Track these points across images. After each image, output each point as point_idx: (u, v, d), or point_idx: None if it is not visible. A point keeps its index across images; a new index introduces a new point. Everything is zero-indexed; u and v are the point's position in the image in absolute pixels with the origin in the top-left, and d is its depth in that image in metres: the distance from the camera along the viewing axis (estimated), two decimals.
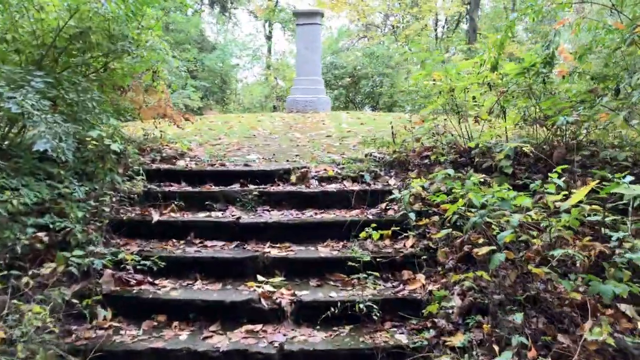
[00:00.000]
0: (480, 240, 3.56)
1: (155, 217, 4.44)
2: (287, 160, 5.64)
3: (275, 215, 4.54)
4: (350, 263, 3.87)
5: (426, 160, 5.25)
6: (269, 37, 30.64)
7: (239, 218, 4.41)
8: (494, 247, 3.38)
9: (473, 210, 3.73)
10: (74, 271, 3.65)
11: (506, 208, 3.49)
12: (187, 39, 21.23)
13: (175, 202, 4.71)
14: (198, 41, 22.92)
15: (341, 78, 19.34)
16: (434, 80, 5.07)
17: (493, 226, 3.67)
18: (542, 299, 3.27)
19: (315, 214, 4.59)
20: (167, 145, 6.20)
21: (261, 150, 6.33)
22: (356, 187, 4.90)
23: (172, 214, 4.59)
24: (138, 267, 3.85)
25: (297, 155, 5.90)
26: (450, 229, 3.72)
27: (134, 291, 3.70)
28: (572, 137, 4.91)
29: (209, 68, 20.66)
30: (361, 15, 29.09)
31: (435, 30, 31.24)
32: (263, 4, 30.51)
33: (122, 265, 3.87)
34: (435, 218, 4.06)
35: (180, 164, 5.45)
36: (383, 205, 4.63)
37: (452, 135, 5.49)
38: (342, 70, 19.13)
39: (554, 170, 4.66)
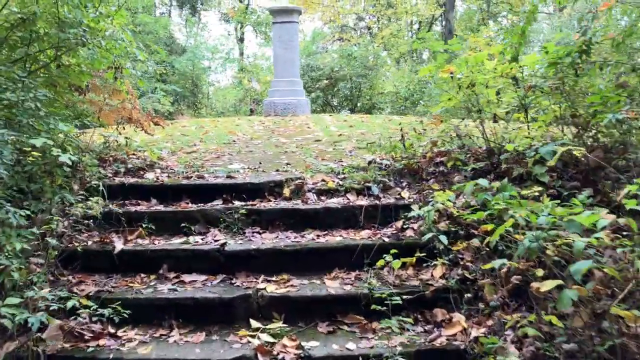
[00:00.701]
0: (541, 273, 2.78)
1: (119, 245, 3.54)
2: (277, 170, 4.80)
3: (268, 240, 3.69)
4: (367, 301, 3.07)
5: (441, 168, 4.48)
6: (241, 40, 29.71)
7: (223, 244, 3.54)
8: (560, 282, 2.62)
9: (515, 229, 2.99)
10: (7, 325, 2.73)
11: (573, 229, 2.74)
12: (155, 41, 20.19)
13: (144, 226, 3.82)
14: (167, 43, 21.91)
15: (318, 80, 18.66)
16: (452, 73, 4.29)
17: (548, 251, 2.91)
18: (630, 351, 2.51)
19: (318, 236, 3.76)
20: (133, 155, 5.29)
21: (244, 159, 5.47)
22: (363, 201, 4.09)
23: (140, 241, 3.70)
24: (96, 314, 2.95)
25: (287, 164, 5.06)
26: (502, 259, 2.93)
27: (90, 349, 2.80)
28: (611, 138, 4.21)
29: (179, 71, 19.67)
30: (336, 17, 28.47)
31: (411, 31, 30.85)
32: (235, 6, 29.59)
33: (75, 313, 2.97)
34: (475, 241, 3.27)
35: (150, 176, 4.55)
36: (399, 224, 3.83)
37: (470, 137, 4.73)
38: (319, 72, 18.44)
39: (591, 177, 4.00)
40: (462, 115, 4.81)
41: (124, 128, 5.27)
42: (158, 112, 15.15)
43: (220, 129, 8.35)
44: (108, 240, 3.63)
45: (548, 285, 2.61)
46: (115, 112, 5.09)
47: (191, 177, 4.55)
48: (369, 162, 4.75)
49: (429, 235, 3.35)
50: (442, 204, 3.56)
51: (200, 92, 21.05)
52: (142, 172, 4.65)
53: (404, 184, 4.35)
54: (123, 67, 4.90)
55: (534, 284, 2.72)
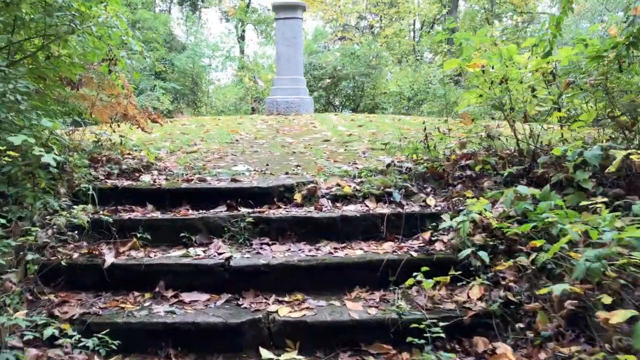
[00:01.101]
0: (609, 300, 2.34)
1: (109, 258, 3.10)
2: (287, 173, 4.36)
3: (279, 253, 3.25)
4: (396, 327, 2.64)
5: (468, 172, 4.05)
6: (242, 37, 29.27)
7: (228, 258, 3.10)
8: (635, 313, 2.19)
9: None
10: None
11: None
12: (155, 38, 19.79)
13: (138, 235, 3.38)
14: (167, 40, 21.48)
15: (320, 79, 18.30)
16: (483, 67, 3.86)
17: (610, 272, 2.49)
18: None
19: (335, 249, 3.32)
20: (128, 154, 4.85)
21: (249, 159, 5.03)
22: (384, 208, 3.66)
23: (134, 253, 3.26)
24: (78, 346, 2.51)
25: (297, 166, 4.62)
26: (555, 281, 2.50)
27: None
28: None
29: (179, 69, 19.23)
30: (339, 15, 28.05)
31: (414, 32, 30.45)
32: (235, 4, 29.13)
33: (55, 342, 2.53)
34: (522, 259, 2.83)
35: (146, 179, 4.11)
36: (426, 236, 3.39)
37: (500, 138, 4.29)
38: (321, 71, 18.07)
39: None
40: (487, 113, 4.37)
41: (118, 125, 4.83)
42: (157, 110, 14.73)
43: (222, 127, 7.91)
44: (97, 253, 3.19)
45: (620, 316, 2.19)
46: (110, 108, 4.65)
47: (192, 179, 4.11)
48: (388, 165, 4.31)
49: (467, 251, 2.91)
50: (478, 213, 3.12)
51: (200, 91, 20.61)
52: (137, 174, 4.21)
53: (428, 190, 3.92)
54: (118, 58, 4.45)
55: (601, 314, 2.29)
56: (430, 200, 3.73)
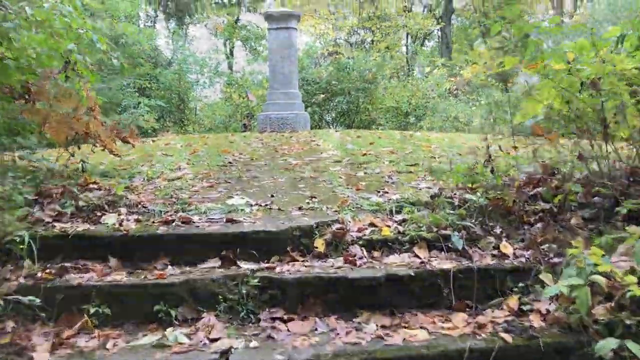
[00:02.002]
0: None
1: (41, 355, 2.00)
2: (300, 208, 3.28)
3: (301, 337, 2.16)
4: None
5: (543, 204, 3.03)
6: (231, 53, 28.37)
7: (226, 352, 2.02)
8: None
9: None
10: None
11: None
12: (140, 53, 18.80)
13: (92, 310, 2.29)
14: (152, 56, 20.50)
15: (314, 94, 17.44)
16: (569, 61, 2.84)
17: None
18: None
19: (384, 327, 2.25)
20: (94, 184, 3.77)
21: (248, 188, 3.96)
22: (443, 260, 2.60)
23: (83, 341, 2.16)
24: None
25: (311, 198, 3.54)
26: None
27: None
28: None
29: (165, 85, 18.19)
30: (330, 30, 27.28)
31: (407, 46, 29.78)
32: (223, 20, 28.28)
33: None
34: None
35: (110, 220, 3.00)
36: (512, 303, 2.34)
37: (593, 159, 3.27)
38: (314, 85, 17.22)
39: None
40: (562, 127, 3.35)
41: (78, 147, 3.74)
42: (141, 129, 13.63)
43: (212, 147, 6.84)
44: (24, 343, 2.09)
45: None
46: (65, 124, 3.57)
47: (172, 220, 3.02)
48: (433, 196, 3.26)
49: (607, 344, 1.85)
50: (602, 274, 2.08)
51: (187, 108, 19.57)
52: (99, 214, 3.12)
53: (497, 231, 2.87)
54: (77, 60, 3.39)
55: None
56: (506, 248, 2.68)
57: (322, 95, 17.22)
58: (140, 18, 24.23)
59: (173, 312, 2.32)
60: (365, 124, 17.07)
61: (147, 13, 25.88)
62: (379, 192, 3.67)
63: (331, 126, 17.24)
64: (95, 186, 3.76)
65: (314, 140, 7.46)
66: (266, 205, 3.38)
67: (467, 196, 3.12)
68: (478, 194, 3.19)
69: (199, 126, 19.64)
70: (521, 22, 4.50)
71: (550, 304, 2.24)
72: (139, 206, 3.33)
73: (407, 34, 28.81)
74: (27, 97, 3.89)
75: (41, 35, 3.38)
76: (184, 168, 5.04)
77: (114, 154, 4.01)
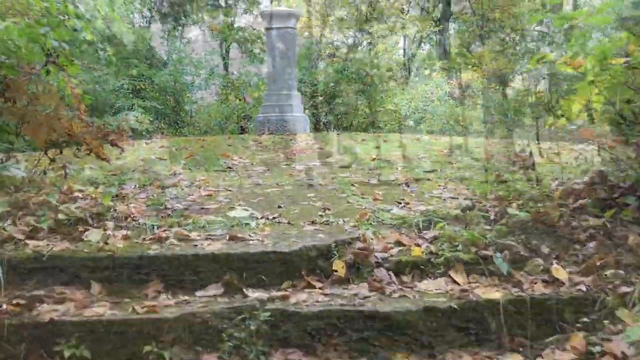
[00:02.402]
0: None
1: None
2: (313, 222, 2.87)
3: None
4: None
5: (592, 220, 2.63)
6: (227, 54, 27.95)
7: None
8: None
9: None
10: None
11: None
12: (134, 53, 18.42)
13: (68, 354, 1.87)
14: (147, 57, 20.10)
15: (312, 96, 17.15)
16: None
17: None
18: None
19: None
20: (78, 193, 3.35)
21: (251, 198, 3.54)
22: (489, 288, 2.20)
23: None
24: None
25: (324, 210, 3.13)
26: None
27: None
28: None
29: (160, 87, 17.77)
30: (328, 32, 26.95)
31: (404, 49, 29.49)
32: (220, 21, 27.88)
33: None
34: None
35: (93, 237, 2.57)
36: (577, 343, 1.93)
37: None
38: (312, 87, 16.92)
39: None
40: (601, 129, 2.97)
41: (60, 152, 3.32)
42: (136, 131, 13.19)
43: (209, 150, 6.42)
44: None
45: None
46: (45, 125, 3.14)
47: (167, 237, 2.60)
48: (465, 209, 2.86)
49: None
50: None
51: (182, 110, 19.15)
52: (81, 229, 2.69)
53: (544, 251, 2.47)
54: (50, 44, 2.98)
55: None
56: (559, 272, 2.27)
57: (321, 98, 16.94)
58: (134, 15, 23.76)
59: (166, 354, 1.90)
60: (364, 127, 16.80)
61: (143, 14, 25.44)
62: (399, 203, 3.27)
63: (329, 129, 16.92)
64: (80, 195, 3.33)
65: (315, 144, 7.09)
66: (274, 218, 2.97)
67: (509, 210, 2.71)
68: (514, 205, 2.80)
69: (195, 128, 19.24)
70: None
71: (629, 347, 1.84)
72: (129, 219, 2.90)
73: (405, 37, 28.53)
74: (5, 94, 3.48)
75: (22, 24, 2.99)
76: (179, 174, 4.63)
77: (101, 159, 3.58)
